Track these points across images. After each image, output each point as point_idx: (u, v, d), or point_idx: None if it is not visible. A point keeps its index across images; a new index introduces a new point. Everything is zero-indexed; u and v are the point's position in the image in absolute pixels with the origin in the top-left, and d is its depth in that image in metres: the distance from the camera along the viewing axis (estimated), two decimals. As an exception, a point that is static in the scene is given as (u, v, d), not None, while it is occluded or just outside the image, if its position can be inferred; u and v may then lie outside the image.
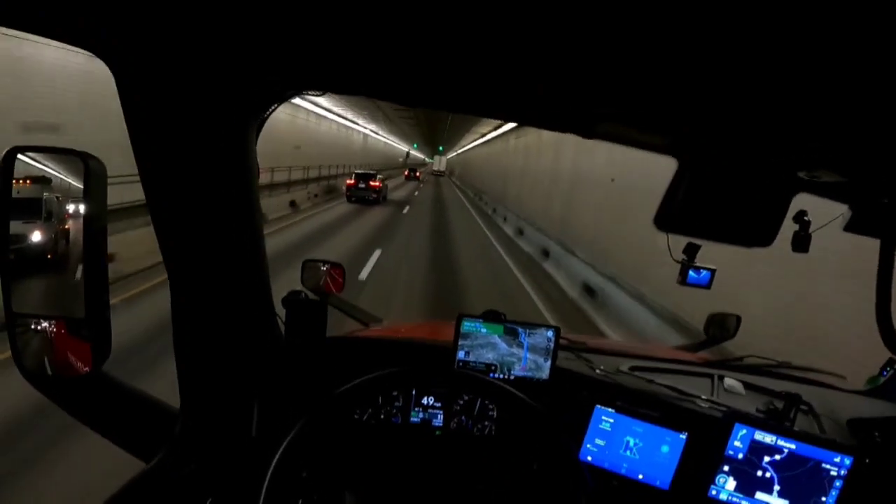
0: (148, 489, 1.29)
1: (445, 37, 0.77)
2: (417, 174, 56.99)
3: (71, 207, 1.07)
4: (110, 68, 1.05)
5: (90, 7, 0.87)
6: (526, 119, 1.43)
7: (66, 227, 1.09)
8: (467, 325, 1.81)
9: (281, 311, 1.65)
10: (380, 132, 50.82)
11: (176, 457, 1.38)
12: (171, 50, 1.03)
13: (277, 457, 1.43)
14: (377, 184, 26.44)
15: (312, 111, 30.45)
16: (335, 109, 31.49)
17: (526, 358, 1.81)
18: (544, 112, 1.24)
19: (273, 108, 1.31)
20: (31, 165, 1.13)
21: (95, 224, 1.05)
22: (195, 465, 1.40)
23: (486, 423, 1.82)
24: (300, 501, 1.55)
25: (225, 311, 1.39)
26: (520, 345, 1.81)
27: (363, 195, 26.07)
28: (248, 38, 0.94)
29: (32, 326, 1.13)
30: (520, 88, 1.03)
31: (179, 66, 1.07)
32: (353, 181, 26.46)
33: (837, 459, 1.58)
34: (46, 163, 1.12)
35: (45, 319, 1.14)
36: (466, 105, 1.32)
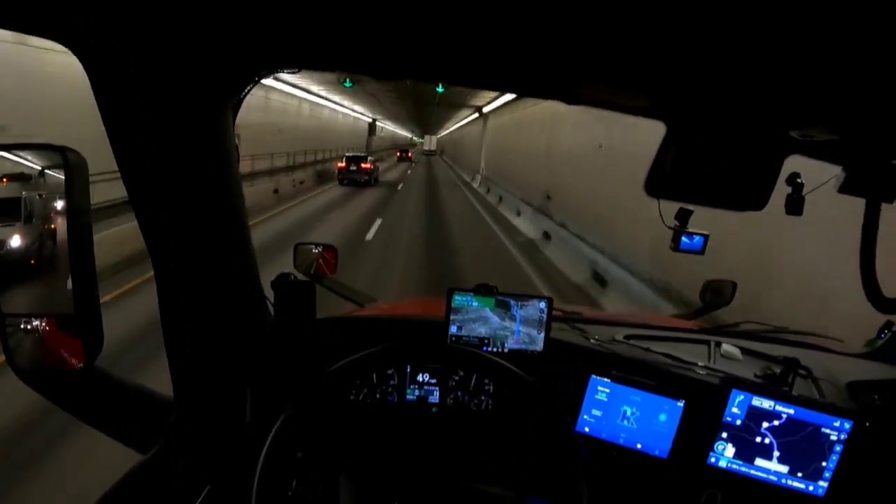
0: (146, 480, 1.30)
1: (419, 4, 0.75)
2: (409, 154, 56.91)
3: (59, 205, 1.06)
4: (80, 59, 1.03)
5: None
6: (507, 86, 1.42)
7: (53, 226, 1.08)
8: (458, 300, 1.78)
9: (271, 294, 1.64)
10: (368, 114, 50.46)
11: (172, 447, 1.39)
12: (141, 36, 1.00)
13: (270, 438, 1.42)
14: (368, 166, 26.55)
15: (306, 98, 30.41)
16: (323, 94, 31.24)
17: (519, 330, 1.79)
18: (526, 77, 1.21)
19: (249, 88, 1.29)
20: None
21: (79, 219, 1.05)
22: (192, 454, 1.40)
23: (483, 397, 1.81)
24: (294, 483, 1.53)
25: (212, 297, 1.38)
26: (512, 317, 1.78)
27: (354, 177, 26.18)
28: (220, 16, 0.92)
29: (23, 325, 1.13)
30: (498, 53, 1.01)
31: (150, 52, 1.04)
32: (343, 164, 26.60)
33: (837, 424, 1.57)
34: (27, 160, 1.11)
35: (35, 318, 1.14)
36: (444, 73, 1.30)
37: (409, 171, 38.93)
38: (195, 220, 1.27)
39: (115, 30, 0.98)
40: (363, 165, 26.42)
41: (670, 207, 1.39)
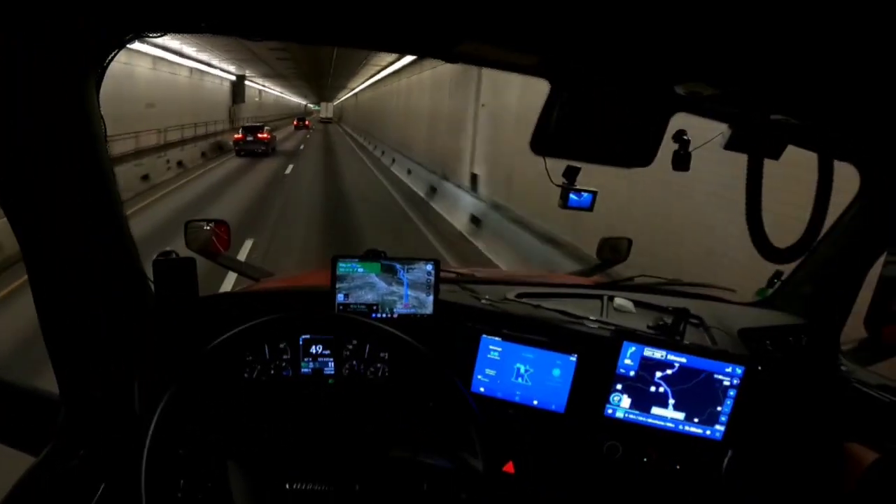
0: (40, 484, 1.24)
1: None
2: (307, 123, 57.10)
3: None
4: None
5: None
6: (386, 44, 1.39)
7: None
8: (343, 267, 1.72)
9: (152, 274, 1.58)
10: (258, 81, 49.01)
11: (63, 446, 1.33)
12: None
13: (151, 430, 1.34)
14: (265, 136, 26.28)
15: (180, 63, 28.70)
16: (202, 58, 29.64)
17: (407, 295, 1.75)
18: (405, 34, 1.18)
19: (111, 56, 1.20)
20: None
21: None
22: (84, 452, 1.34)
23: (379, 365, 1.77)
24: (182, 482, 1.46)
25: (89, 282, 1.32)
26: (399, 282, 1.74)
27: (252, 148, 25.80)
28: None
29: None
30: (376, 10, 0.98)
31: (3, 14, 0.95)
32: (240, 135, 26.23)
33: (729, 370, 1.60)
34: None
35: None
36: (320, 33, 1.28)
37: (307, 136, 40.61)
38: (63, 201, 1.20)
39: None
40: (260, 135, 26.04)
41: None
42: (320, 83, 49.95)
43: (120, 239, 1.37)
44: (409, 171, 18.88)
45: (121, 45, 1.18)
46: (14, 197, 1.15)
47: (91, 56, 1.15)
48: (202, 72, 29.77)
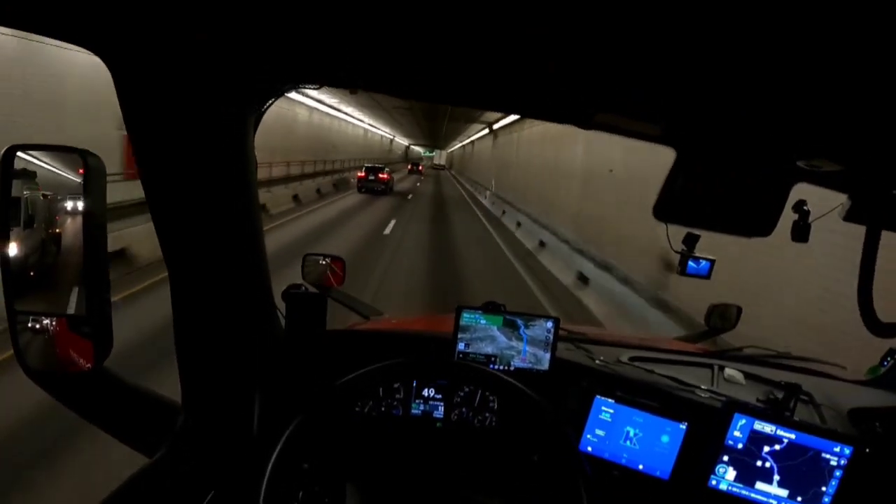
0: (151, 484, 1.30)
1: (441, 27, 0.77)
2: (420, 167, 58.26)
3: (69, 205, 1.07)
4: (108, 66, 1.06)
5: (88, 5, 0.87)
6: (524, 110, 1.43)
7: (57, 230, 1.09)
8: (467, 317, 1.81)
9: (281, 304, 1.66)
10: (380, 127, 50.61)
11: (178, 451, 1.39)
12: (168, 47, 1.03)
13: (278, 449, 1.44)
14: (385, 176, 28.59)
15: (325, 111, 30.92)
16: (340, 107, 31.64)
17: (525, 350, 1.81)
18: (543, 103, 1.24)
19: (270, 102, 1.32)
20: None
21: (95, 221, 1.06)
22: (197, 459, 1.41)
23: (487, 414, 1.82)
24: (301, 493, 1.54)
25: (225, 305, 1.40)
26: (519, 337, 1.80)
27: (372, 186, 28.14)
28: (244, 32, 0.94)
29: (33, 324, 1.13)
30: (517, 79, 1.03)
31: (177, 63, 1.07)
32: (363, 174, 28.69)
33: (837, 449, 1.58)
34: (44, 160, 1.10)
35: (46, 317, 1.14)
36: (463, 97, 1.32)
37: (418, 184, 40.45)
38: (212, 229, 1.30)
39: (144, 38, 1.01)
40: (381, 175, 28.41)
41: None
42: (434, 131, 50.71)
43: (259, 269, 1.48)
44: (503, 212, 21.38)
45: (279, 94, 1.31)
46: (168, 221, 1.25)
47: (252, 101, 1.27)
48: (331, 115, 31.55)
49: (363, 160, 36.93)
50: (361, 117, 40.59)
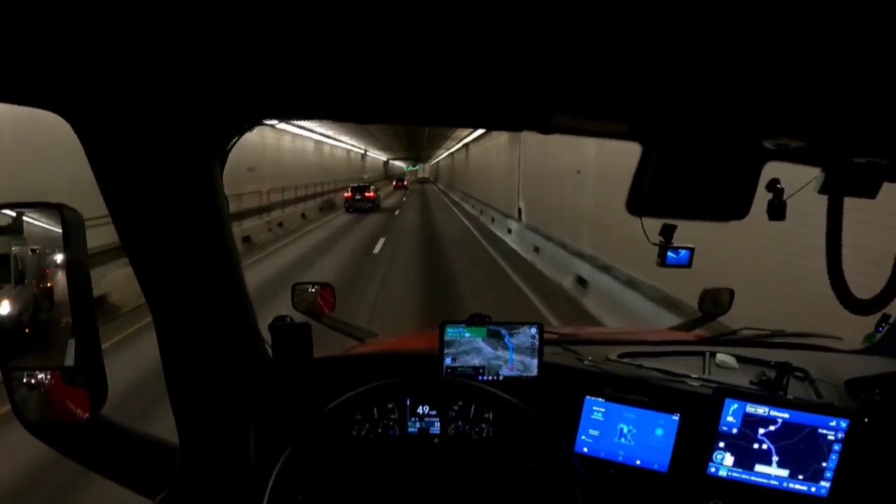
0: None
1: (392, 52, 0.78)
2: (405, 183, 58.48)
3: (58, 258, 1.07)
4: (71, 124, 1.07)
5: (45, 69, 0.89)
6: (481, 122, 1.44)
7: (49, 284, 1.10)
8: (451, 332, 1.80)
9: (268, 336, 1.68)
10: (358, 145, 50.71)
11: (179, 491, 1.41)
12: (128, 98, 1.04)
13: (271, 482, 1.45)
14: (372, 194, 29.48)
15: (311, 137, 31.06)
16: (317, 129, 31.75)
17: (512, 359, 1.80)
18: (497, 112, 1.25)
19: (234, 140, 1.33)
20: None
21: (78, 272, 1.07)
22: (199, 498, 1.43)
23: (484, 426, 1.82)
24: None
25: (211, 343, 1.41)
26: (505, 346, 1.80)
27: (360, 205, 28.85)
28: (202, 76, 0.96)
29: (28, 379, 1.14)
30: (470, 93, 1.04)
31: (138, 113, 1.08)
32: (349, 194, 29.55)
33: (833, 423, 1.58)
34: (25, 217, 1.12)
35: (40, 371, 1.15)
36: (421, 116, 1.35)
37: (404, 199, 40.37)
38: (189, 270, 1.31)
39: (101, 96, 1.02)
40: (367, 194, 29.29)
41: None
42: (416, 147, 50.90)
43: (241, 305, 1.48)
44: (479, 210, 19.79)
45: (242, 131, 1.32)
46: (146, 267, 1.26)
47: (216, 142, 1.28)
48: (304, 137, 31.56)
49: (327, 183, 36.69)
50: (345, 139, 40.95)
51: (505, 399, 1.67)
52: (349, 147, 48.96)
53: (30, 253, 1.12)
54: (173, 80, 0.98)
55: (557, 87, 0.96)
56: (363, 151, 56.27)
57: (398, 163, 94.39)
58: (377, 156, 74.29)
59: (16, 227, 1.10)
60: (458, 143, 42.17)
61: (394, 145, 56.01)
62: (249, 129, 1.34)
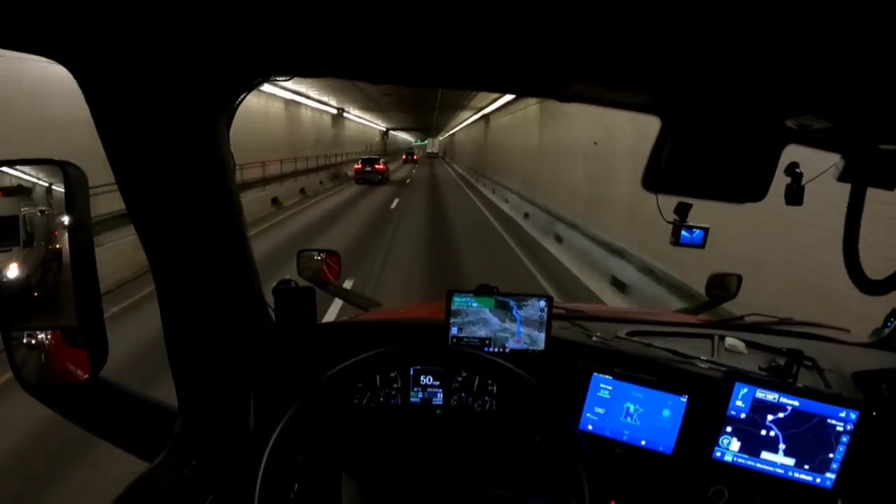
0: (152, 488, 1.30)
1: (409, 6, 0.74)
2: (415, 157, 59.60)
3: (66, 219, 1.06)
4: (73, 75, 1.04)
5: (49, 16, 0.86)
6: (499, 86, 1.42)
7: (57, 246, 1.08)
8: (458, 301, 1.78)
9: (272, 300, 1.67)
10: (369, 119, 50.72)
11: (177, 455, 1.40)
12: (133, 50, 1.02)
13: (271, 444, 1.43)
14: (381, 167, 30.56)
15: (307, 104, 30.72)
16: (328, 101, 31.75)
17: (520, 331, 1.78)
18: (518, 76, 1.22)
19: (241, 97, 1.31)
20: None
21: (81, 233, 1.06)
22: (197, 462, 1.41)
23: (487, 398, 1.81)
24: (297, 485, 1.55)
25: (213, 305, 1.41)
26: (513, 318, 1.78)
27: (369, 177, 29.82)
28: (210, 27, 0.93)
29: (29, 340, 1.14)
30: (490, 54, 1.01)
31: (143, 65, 1.06)
32: (360, 166, 30.61)
33: (843, 414, 1.55)
34: (29, 174, 1.11)
35: (40, 331, 1.15)
36: (437, 76, 1.35)
37: (413, 171, 42.40)
38: (193, 229, 1.29)
39: (107, 45, 0.99)
40: (377, 166, 30.32)
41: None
42: (426, 121, 50.89)
43: (244, 267, 1.47)
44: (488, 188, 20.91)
45: (250, 88, 1.29)
46: (149, 225, 1.25)
47: (223, 98, 1.26)
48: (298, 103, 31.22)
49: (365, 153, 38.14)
50: (358, 113, 41.04)
51: (512, 370, 1.64)
52: (367, 123, 49.40)
53: (39, 214, 1.11)
54: (180, 30, 0.95)
55: (579, 52, 0.93)
56: (384, 129, 56.85)
57: (408, 137, 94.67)
58: (392, 132, 74.60)
59: (25, 188, 1.10)
60: (457, 125, 43.58)
61: (404, 121, 56.08)
62: (258, 85, 1.32)
